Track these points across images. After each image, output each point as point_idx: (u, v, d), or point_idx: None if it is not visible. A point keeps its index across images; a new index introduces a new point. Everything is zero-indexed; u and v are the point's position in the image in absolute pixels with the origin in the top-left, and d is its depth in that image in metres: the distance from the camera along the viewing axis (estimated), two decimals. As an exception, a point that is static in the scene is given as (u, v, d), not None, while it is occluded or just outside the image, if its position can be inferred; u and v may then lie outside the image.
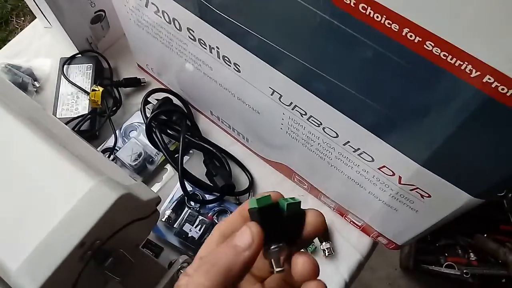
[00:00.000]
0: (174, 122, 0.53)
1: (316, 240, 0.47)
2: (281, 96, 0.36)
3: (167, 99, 0.54)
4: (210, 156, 0.52)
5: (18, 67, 0.59)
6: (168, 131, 0.51)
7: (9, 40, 0.64)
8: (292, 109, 0.36)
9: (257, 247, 0.21)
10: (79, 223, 0.30)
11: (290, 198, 0.23)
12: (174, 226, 0.47)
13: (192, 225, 0.46)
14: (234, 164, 0.53)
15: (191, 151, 0.53)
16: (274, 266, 0.22)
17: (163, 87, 0.57)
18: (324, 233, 0.47)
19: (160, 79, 0.57)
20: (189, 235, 0.46)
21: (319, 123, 0.35)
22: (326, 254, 0.46)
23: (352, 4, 0.23)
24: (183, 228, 0.46)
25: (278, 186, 0.51)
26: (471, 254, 1.09)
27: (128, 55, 0.60)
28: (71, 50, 0.58)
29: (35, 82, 0.58)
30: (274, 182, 0.52)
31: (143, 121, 0.54)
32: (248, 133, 0.50)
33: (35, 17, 0.61)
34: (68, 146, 0.35)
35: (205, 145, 0.51)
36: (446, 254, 1.11)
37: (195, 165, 0.52)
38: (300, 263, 0.21)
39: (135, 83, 0.58)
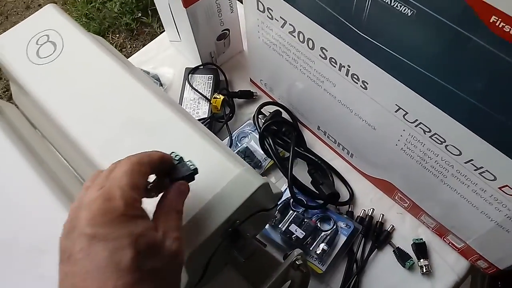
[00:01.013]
0: (283, 133, 0.58)
1: (414, 257, 0.49)
2: (406, 113, 0.40)
3: (278, 112, 0.60)
4: (315, 167, 0.56)
5: (147, 72, 0.67)
6: (278, 140, 0.56)
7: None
8: (416, 126, 0.40)
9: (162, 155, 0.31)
10: (228, 202, 0.35)
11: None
12: (279, 226, 0.51)
13: (298, 226, 0.50)
14: (335, 176, 0.57)
15: (295, 160, 0.58)
16: None
17: (272, 100, 0.63)
18: (422, 251, 0.49)
19: (271, 93, 0.63)
20: (294, 235, 0.50)
21: (443, 140, 0.38)
22: (424, 271, 0.48)
23: (511, 32, 0.26)
24: (289, 228, 0.50)
25: (377, 202, 0.54)
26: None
27: (242, 70, 0.67)
28: (193, 62, 0.66)
29: (161, 87, 0.66)
30: (374, 198, 0.55)
31: (253, 129, 0.60)
32: (355, 148, 0.54)
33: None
34: (211, 137, 0.41)
35: (311, 156, 0.56)
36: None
37: (298, 173, 0.56)
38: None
39: (248, 96, 0.64)
